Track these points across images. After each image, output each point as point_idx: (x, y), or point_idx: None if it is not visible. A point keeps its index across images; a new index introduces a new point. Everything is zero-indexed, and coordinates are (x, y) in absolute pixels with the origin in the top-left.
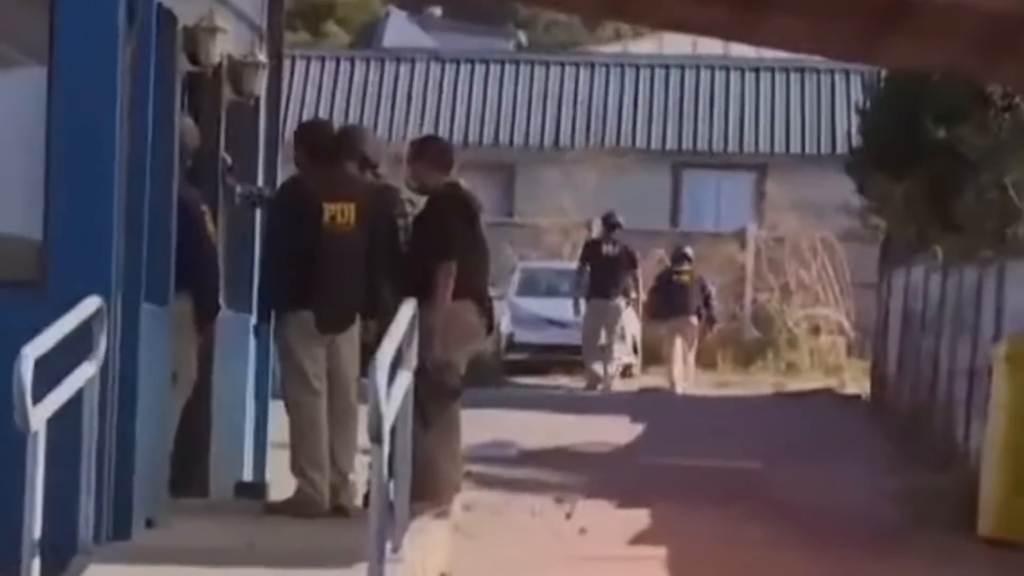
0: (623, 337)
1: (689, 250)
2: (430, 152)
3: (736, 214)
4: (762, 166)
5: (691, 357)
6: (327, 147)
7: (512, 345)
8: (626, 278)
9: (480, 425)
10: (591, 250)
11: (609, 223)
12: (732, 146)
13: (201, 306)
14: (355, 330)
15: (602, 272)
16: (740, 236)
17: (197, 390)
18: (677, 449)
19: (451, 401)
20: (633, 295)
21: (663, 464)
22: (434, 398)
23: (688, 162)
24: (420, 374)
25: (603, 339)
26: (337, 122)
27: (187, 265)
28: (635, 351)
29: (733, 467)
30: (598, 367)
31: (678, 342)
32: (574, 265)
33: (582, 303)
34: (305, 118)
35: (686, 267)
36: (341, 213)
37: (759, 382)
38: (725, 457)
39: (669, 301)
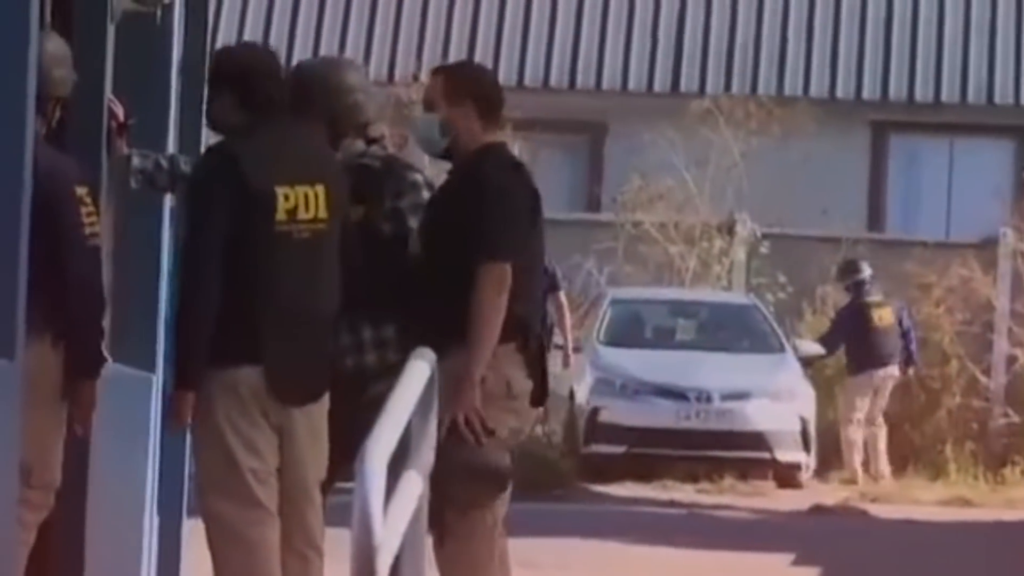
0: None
1: (866, 265)
2: (469, 87)
3: (980, 211)
4: None
5: (882, 433)
6: (274, 90)
7: (596, 428)
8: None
9: (536, 564)
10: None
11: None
12: (975, 95)
13: (73, 358)
14: (325, 404)
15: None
16: (987, 248)
17: (63, 497)
18: None
19: (491, 494)
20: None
21: None
22: (463, 488)
23: (899, 121)
24: (443, 450)
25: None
26: (299, 53)
27: (51, 290)
28: (806, 442)
29: None
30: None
31: (866, 414)
32: (710, 295)
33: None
34: (243, 41)
35: (878, 296)
36: (305, 203)
37: (1019, 500)
38: None
39: (865, 350)
